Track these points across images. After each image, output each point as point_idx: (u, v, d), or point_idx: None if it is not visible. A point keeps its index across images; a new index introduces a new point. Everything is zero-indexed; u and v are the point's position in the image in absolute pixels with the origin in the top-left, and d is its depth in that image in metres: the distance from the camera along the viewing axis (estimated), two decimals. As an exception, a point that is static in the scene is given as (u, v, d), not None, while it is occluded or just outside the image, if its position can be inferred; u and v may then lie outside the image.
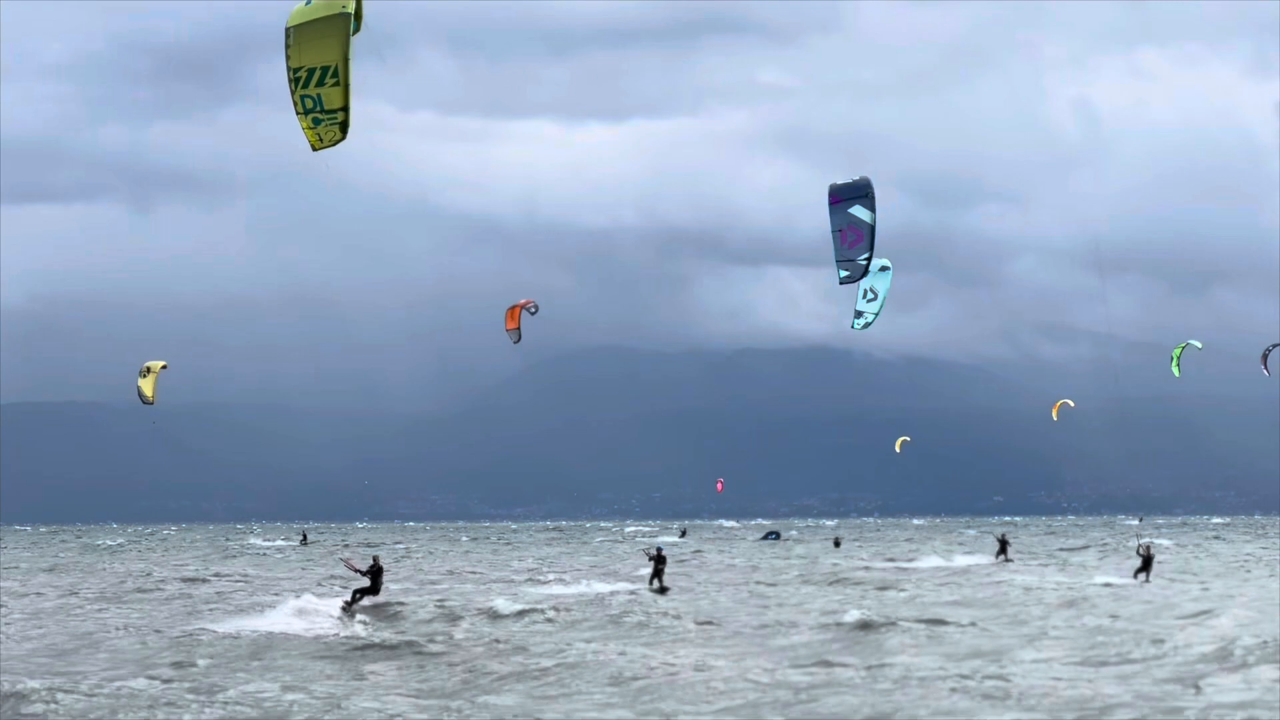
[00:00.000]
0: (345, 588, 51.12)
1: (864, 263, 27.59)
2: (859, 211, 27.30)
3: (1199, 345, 65.42)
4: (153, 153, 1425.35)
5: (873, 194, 27.25)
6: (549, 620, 42.11)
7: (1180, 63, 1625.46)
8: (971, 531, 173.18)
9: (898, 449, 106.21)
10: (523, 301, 59.14)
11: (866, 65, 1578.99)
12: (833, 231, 27.62)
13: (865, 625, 37.83)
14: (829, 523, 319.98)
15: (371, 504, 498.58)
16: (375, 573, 45.31)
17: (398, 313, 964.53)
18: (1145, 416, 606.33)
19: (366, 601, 45.13)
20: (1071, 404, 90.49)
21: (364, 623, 41.75)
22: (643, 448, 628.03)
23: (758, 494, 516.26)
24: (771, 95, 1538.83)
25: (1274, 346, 59.88)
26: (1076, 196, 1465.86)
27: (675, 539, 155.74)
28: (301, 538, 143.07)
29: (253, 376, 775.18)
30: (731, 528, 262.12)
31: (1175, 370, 65.74)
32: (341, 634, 38.57)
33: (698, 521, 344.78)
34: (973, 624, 38.53)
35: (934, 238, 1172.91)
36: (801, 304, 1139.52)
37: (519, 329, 59.20)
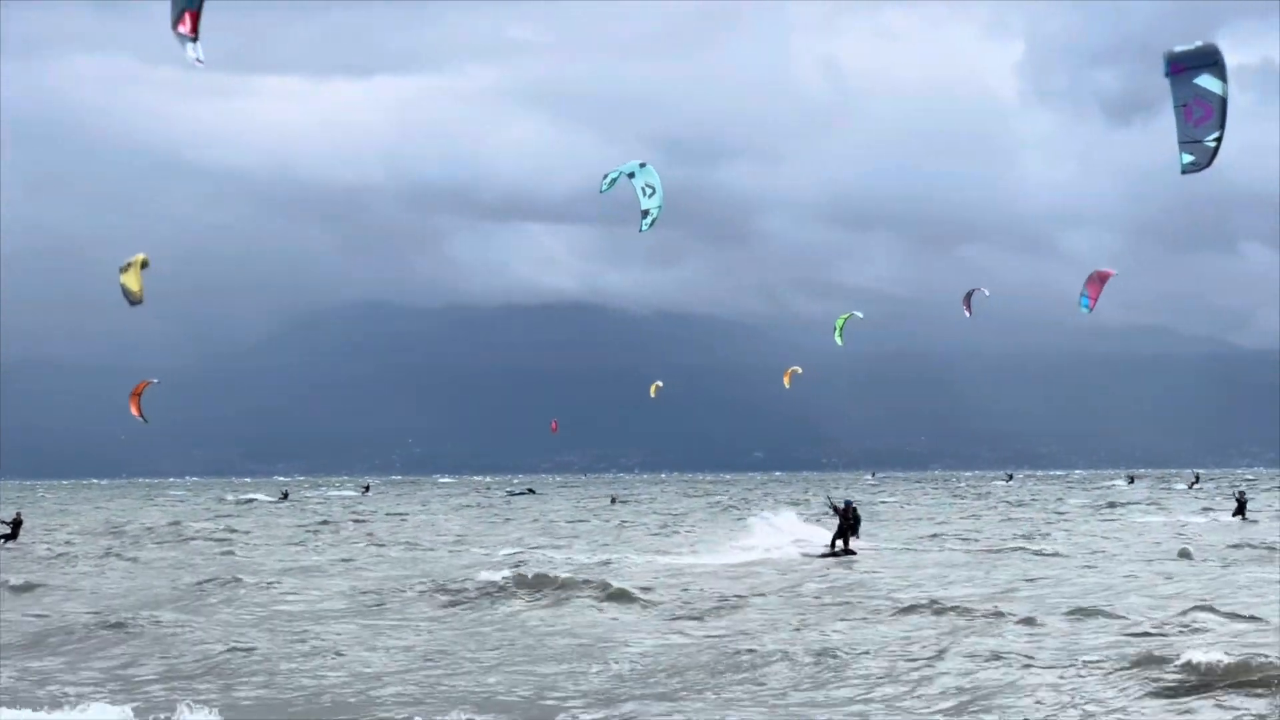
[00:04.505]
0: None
1: (1213, 144, 22.65)
2: (1207, 82, 23.01)
3: (860, 315, 67.45)
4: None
5: (1222, 61, 22.87)
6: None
7: (924, 23, 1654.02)
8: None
9: (653, 394, 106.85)
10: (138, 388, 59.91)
11: (617, 22, 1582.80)
12: (1175, 108, 22.85)
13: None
14: (652, 477, 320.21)
15: (132, 460, 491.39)
16: (16, 524, 59.19)
17: (152, 268, 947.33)
18: (904, 372, 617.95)
19: (10, 545, 57.18)
20: (800, 370, 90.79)
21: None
22: (403, 403, 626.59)
23: (519, 450, 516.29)
24: (521, 52, 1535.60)
25: (974, 290, 62.04)
26: (825, 155, 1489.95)
27: (356, 493, 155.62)
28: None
29: (2, 331, 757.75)
30: (449, 484, 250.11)
31: (838, 339, 66.83)
32: None
33: (478, 476, 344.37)
34: None
35: (686, 194, 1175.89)
36: (557, 260, 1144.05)
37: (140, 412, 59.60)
